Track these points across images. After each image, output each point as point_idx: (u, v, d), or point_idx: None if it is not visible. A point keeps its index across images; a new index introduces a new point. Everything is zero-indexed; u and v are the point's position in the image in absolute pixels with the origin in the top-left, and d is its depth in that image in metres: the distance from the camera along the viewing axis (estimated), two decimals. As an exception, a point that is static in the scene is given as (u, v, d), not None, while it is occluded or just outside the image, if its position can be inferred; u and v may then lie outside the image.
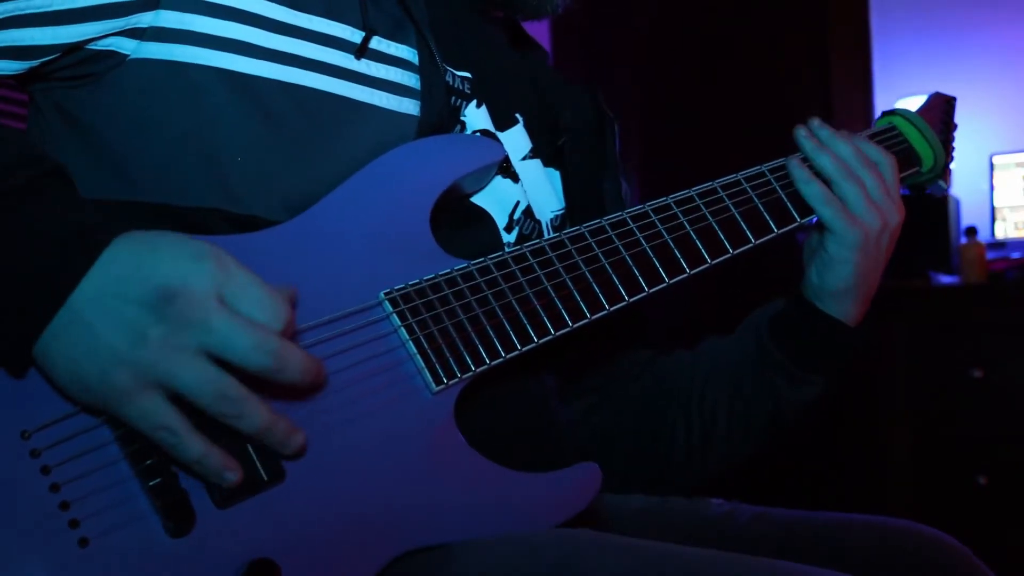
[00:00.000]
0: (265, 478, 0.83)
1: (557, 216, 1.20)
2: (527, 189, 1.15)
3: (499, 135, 1.14)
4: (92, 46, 0.93)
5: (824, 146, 1.16)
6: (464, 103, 1.12)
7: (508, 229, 1.12)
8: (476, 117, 1.12)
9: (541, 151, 1.19)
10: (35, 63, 0.93)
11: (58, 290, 0.75)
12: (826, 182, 1.15)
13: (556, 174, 1.23)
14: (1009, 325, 3.17)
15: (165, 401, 0.76)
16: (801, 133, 1.17)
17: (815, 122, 1.19)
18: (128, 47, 0.93)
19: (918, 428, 3.24)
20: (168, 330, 0.74)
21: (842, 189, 1.14)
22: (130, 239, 0.77)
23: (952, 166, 1.34)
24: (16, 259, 0.75)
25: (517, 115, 1.18)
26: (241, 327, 0.76)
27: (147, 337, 0.74)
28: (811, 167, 1.15)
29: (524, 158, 1.17)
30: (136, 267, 0.76)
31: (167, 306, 0.74)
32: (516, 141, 1.16)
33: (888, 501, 3.23)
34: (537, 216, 1.16)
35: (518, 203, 1.14)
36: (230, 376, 0.76)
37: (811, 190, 1.13)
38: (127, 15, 0.92)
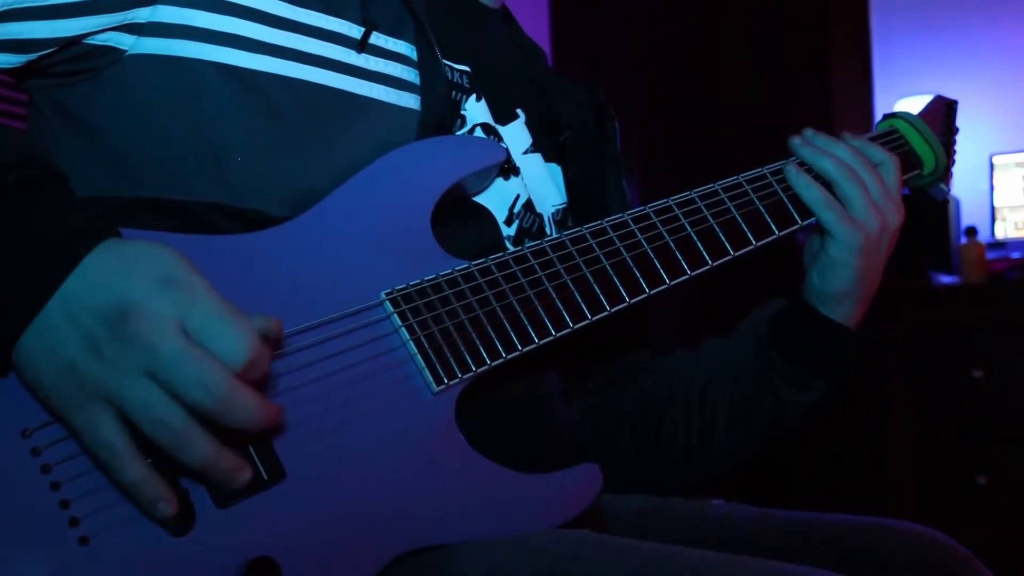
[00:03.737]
0: (266, 477, 0.82)
1: (559, 210, 1.20)
2: (527, 183, 1.15)
3: (500, 129, 1.14)
4: (90, 41, 0.92)
5: (823, 150, 1.16)
6: (464, 97, 1.12)
7: (508, 223, 1.12)
8: (476, 111, 1.13)
9: (542, 146, 1.20)
10: (33, 56, 0.92)
11: (39, 292, 0.74)
12: (827, 185, 1.15)
13: (557, 169, 1.23)
14: (1009, 325, 3.17)
15: (113, 418, 0.74)
16: (796, 141, 1.18)
17: (808, 131, 1.20)
18: (126, 42, 0.93)
19: (918, 428, 3.24)
20: (118, 347, 0.72)
21: (844, 191, 1.14)
22: (114, 247, 0.76)
23: (953, 169, 1.34)
24: (4, 260, 0.75)
25: (518, 110, 1.18)
26: (191, 358, 0.72)
27: (100, 351, 0.73)
28: (810, 171, 1.15)
29: (525, 152, 1.17)
30: (106, 278, 0.74)
31: (122, 323, 0.72)
32: (517, 135, 1.17)
33: (888, 501, 3.23)
34: (538, 210, 1.16)
35: (518, 196, 1.14)
36: (176, 405, 0.73)
37: (812, 195, 1.14)
38: (124, 10, 0.92)
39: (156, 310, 0.72)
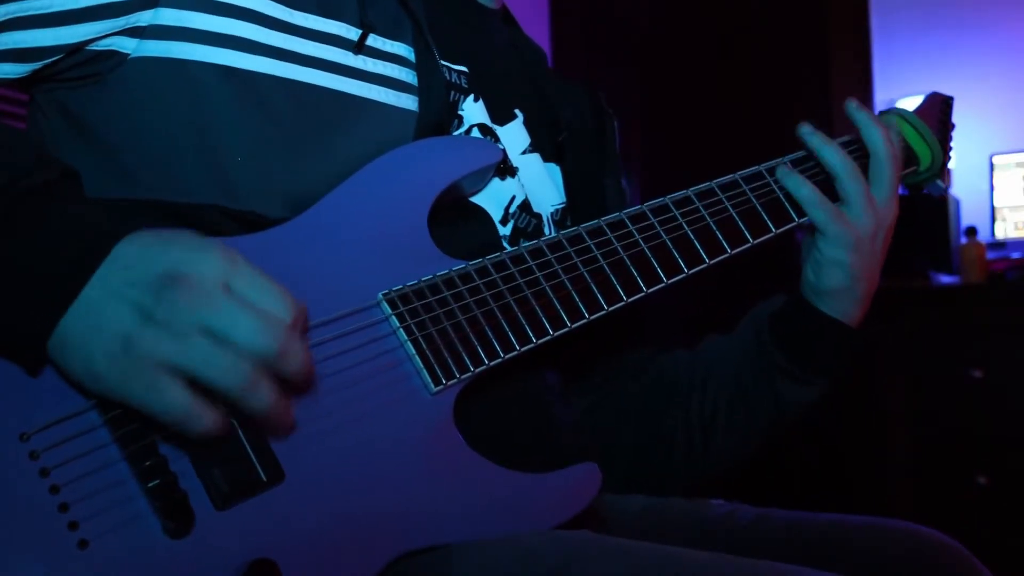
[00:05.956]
0: (264, 479, 0.83)
1: (558, 209, 1.21)
2: (525, 183, 1.16)
3: (497, 129, 1.14)
4: (93, 46, 0.93)
5: (829, 142, 1.16)
6: (461, 97, 1.12)
7: (503, 222, 1.12)
8: (474, 111, 1.13)
9: (540, 146, 1.20)
10: (38, 65, 0.92)
11: (71, 284, 0.75)
12: (829, 178, 1.15)
13: (556, 169, 1.23)
14: (1009, 325, 3.16)
15: (174, 379, 0.75)
16: (806, 129, 1.18)
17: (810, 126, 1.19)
18: (129, 46, 0.93)
19: (918, 428, 3.24)
20: (172, 310, 0.74)
21: (846, 187, 1.14)
22: (141, 234, 0.78)
23: (951, 166, 1.34)
24: (33, 257, 0.76)
25: (516, 110, 1.18)
26: (246, 309, 0.75)
27: (152, 317, 0.74)
28: (803, 170, 1.15)
29: (523, 152, 1.17)
30: (143, 255, 0.77)
31: (172, 288, 0.75)
32: (515, 135, 1.17)
33: (888, 501, 3.23)
34: (536, 210, 1.16)
35: (514, 197, 1.14)
36: (239, 354, 0.75)
37: (804, 194, 1.14)
38: (127, 14, 0.92)
39: (202, 272, 0.76)
